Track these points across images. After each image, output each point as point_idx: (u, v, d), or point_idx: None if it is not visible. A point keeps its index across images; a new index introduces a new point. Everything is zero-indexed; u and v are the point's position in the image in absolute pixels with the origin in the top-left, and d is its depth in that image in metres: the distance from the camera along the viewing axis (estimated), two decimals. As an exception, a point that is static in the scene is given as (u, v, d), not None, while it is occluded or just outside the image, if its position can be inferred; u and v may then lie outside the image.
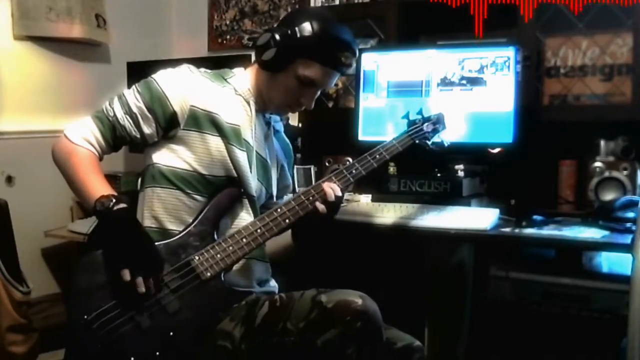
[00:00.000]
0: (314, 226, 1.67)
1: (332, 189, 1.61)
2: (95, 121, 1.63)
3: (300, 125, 2.67)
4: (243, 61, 2.59)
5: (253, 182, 1.69)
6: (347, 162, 2.41)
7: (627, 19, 2.16)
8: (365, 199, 2.27)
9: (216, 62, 1.87)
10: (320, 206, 1.60)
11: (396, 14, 2.53)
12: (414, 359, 1.62)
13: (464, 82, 2.19)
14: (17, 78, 2.85)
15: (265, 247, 1.77)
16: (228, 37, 3.35)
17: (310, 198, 1.61)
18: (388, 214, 2.00)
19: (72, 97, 2.99)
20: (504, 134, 2.12)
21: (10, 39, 2.82)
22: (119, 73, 3.02)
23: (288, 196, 1.89)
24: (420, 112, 1.85)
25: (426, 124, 1.83)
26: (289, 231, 1.72)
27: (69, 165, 1.59)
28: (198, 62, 1.82)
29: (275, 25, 1.71)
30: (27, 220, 2.57)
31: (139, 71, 2.53)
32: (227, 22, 3.35)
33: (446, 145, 1.90)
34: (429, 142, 1.84)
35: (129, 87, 1.69)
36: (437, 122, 1.86)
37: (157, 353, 1.47)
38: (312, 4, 2.79)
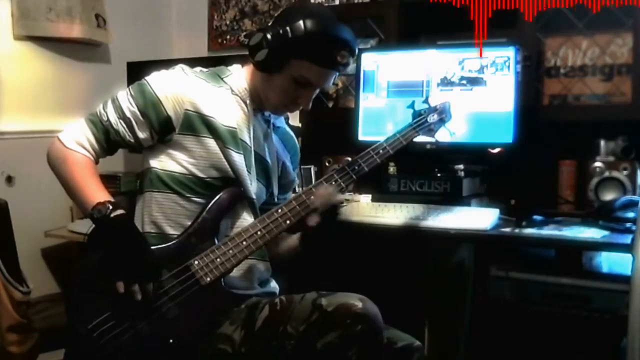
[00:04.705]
0: (321, 233, 1.62)
1: (322, 194, 1.58)
2: (89, 125, 1.61)
3: (300, 125, 2.67)
4: (243, 61, 2.59)
5: (252, 184, 1.67)
6: (348, 162, 2.44)
7: (627, 19, 2.16)
8: (365, 199, 2.27)
9: (216, 62, 1.86)
10: (314, 219, 1.58)
11: (396, 14, 2.53)
12: (414, 359, 1.61)
13: (464, 82, 2.18)
14: (17, 78, 2.85)
15: (277, 248, 1.77)
16: (228, 37, 3.35)
17: (312, 197, 1.59)
18: (388, 214, 2.00)
19: (72, 97, 2.99)
20: (504, 134, 2.12)
21: (10, 39, 2.81)
22: (119, 73, 3.02)
23: (290, 194, 1.86)
24: (426, 101, 1.80)
25: (431, 114, 1.76)
26: (296, 235, 1.70)
27: (64, 170, 1.58)
28: (198, 62, 1.81)
29: (269, 24, 1.64)
30: (27, 220, 2.57)
31: (139, 71, 2.53)
32: (227, 22, 3.35)
33: (452, 135, 1.83)
34: (434, 135, 1.78)
35: (119, 91, 1.66)
36: (443, 112, 1.79)
37: None
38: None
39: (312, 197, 1.59)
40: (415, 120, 1.75)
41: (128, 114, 1.60)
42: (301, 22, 1.56)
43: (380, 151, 1.67)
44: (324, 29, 1.58)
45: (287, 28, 1.56)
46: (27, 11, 2.81)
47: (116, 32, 3.13)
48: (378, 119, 2.31)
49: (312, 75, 1.61)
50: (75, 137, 1.60)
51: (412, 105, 1.80)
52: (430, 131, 1.77)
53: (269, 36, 1.58)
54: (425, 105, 1.79)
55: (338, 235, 1.66)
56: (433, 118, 1.77)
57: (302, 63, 1.59)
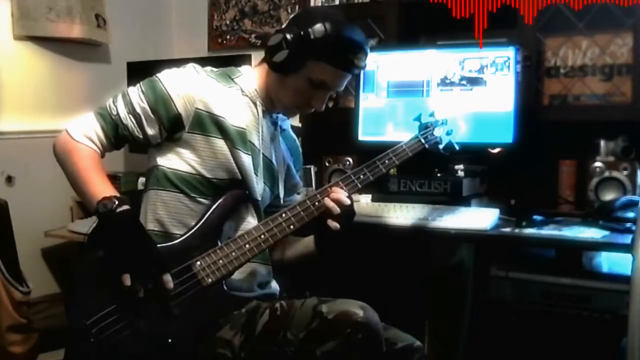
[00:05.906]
0: (336, 234, 1.61)
1: (338, 198, 1.58)
2: (98, 118, 1.60)
3: (300, 125, 2.67)
4: (243, 61, 2.59)
5: (258, 186, 1.66)
6: (348, 162, 2.44)
7: (627, 19, 2.16)
8: (365, 199, 2.27)
9: (216, 62, 1.86)
10: (333, 224, 1.58)
11: (396, 14, 2.53)
12: (414, 359, 1.61)
13: (464, 82, 2.19)
14: (17, 78, 2.85)
15: (286, 254, 1.77)
16: (228, 37, 3.35)
17: (316, 203, 1.59)
18: (388, 214, 2.00)
19: (72, 97, 2.99)
20: (504, 134, 2.12)
21: (10, 39, 2.81)
22: (119, 73, 3.02)
23: (295, 196, 1.86)
24: (432, 115, 1.82)
25: (437, 128, 1.80)
26: (311, 238, 1.71)
27: (70, 162, 1.56)
28: (198, 62, 1.81)
29: (285, 25, 1.65)
30: (27, 220, 2.56)
31: (139, 71, 2.54)
32: (227, 22, 3.35)
33: (457, 148, 1.86)
34: (440, 147, 1.81)
35: (129, 87, 1.66)
36: (450, 126, 1.83)
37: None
38: (312, 4, 2.79)
39: (322, 201, 1.58)
40: (421, 133, 1.78)
41: (138, 110, 1.60)
42: (321, 25, 1.57)
43: (386, 161, 1.69)
44: (343, 33, 1.60)
45: (308, 30, 1.57)
46: (27, 11, 2.81)
47: (116, 32, 3.13)
48: (378, 119, 2.31)
49: (328, 76, 1.62)
50: (84, 130, 1.59)
51: (418, 118, 1.82)
52: (437, 144, 1.80)
53: (289, 37, 1.58)
54: (432, 119, 1.81)
55: (352, 236, 1.65)
56: (439, 131, 1.80)
57: (319, 64, 1.60)
